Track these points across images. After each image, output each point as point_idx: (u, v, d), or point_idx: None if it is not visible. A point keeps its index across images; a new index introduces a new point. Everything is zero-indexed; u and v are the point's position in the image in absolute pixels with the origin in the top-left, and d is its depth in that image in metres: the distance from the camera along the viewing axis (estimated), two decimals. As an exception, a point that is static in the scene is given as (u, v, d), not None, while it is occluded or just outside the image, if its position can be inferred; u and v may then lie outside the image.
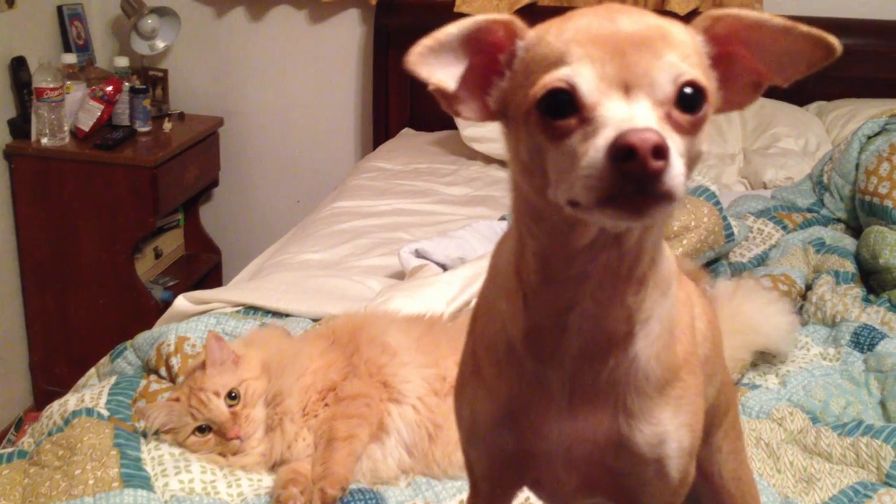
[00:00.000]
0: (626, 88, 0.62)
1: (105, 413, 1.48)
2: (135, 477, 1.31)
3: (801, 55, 0.68)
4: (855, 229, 2.29)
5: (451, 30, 0.68)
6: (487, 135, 2.91)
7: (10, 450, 1.44)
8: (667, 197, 0.59)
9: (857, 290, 1.99)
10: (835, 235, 2.22)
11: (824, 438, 1.49)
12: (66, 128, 2.92)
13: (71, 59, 2.99)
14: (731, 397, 1.03)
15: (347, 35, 3.41)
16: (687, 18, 0.69)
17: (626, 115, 0.61)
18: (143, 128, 3.09)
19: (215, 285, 3.15)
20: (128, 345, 1.73)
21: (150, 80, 3.31)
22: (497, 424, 0.80)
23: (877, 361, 1.71)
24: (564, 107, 0.62)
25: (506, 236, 0.79)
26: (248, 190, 3.64)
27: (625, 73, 0.62)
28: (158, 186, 2.91)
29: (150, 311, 2.87)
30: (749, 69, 0.70)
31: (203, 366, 1.43)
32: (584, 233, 0.68)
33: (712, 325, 0.91)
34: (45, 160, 2.91)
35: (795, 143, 2.87)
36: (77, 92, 2.95)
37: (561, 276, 0.71)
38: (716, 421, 0.97)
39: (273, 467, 1.39)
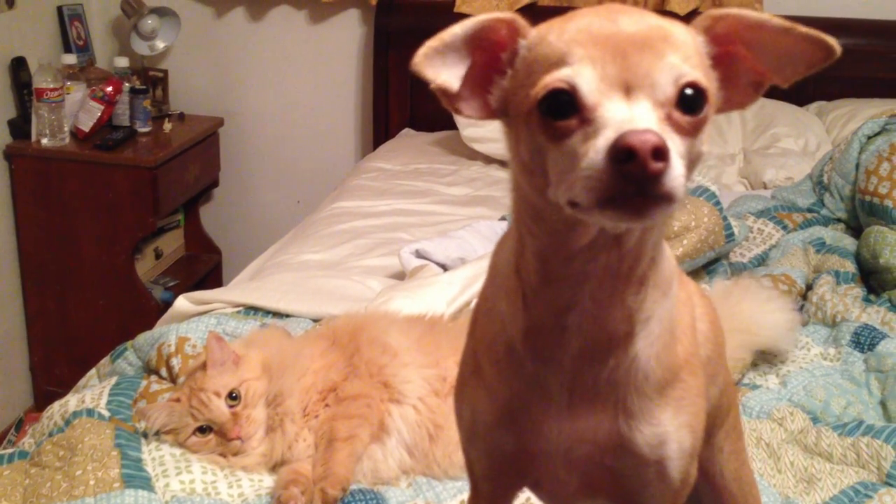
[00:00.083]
0: (627, 89, 0.62)
1: (106, 414, 1.48)
2: (136, 477, 1.31)
3: (800, 56, 0.68)
4: (855, 229, 2.29)
5: (456, 30, 0.68)
6: (488, 135, 2.91)
7: (10, 450, 1.44)
8: (667, 198, 0.59)
9: (858, 290, 1.99)
10: (835, 235, 2.22)
11: (825, 438, 1.49)
12: (67, 128, 2.92)
13: (71, 59, 2.99)
14: (732, 398, 1.03)
15: (347, 35, 3.41)
16: (687, 18, 0.69)
17: (627, 116, 0.61)
18: (143, 128, 3.09)
19: (215, 286, 3.14)
20: (128, 345, 1.73)
21: (150, 80, 3.31)
22: (497, 425, 0.80)
23: (877, 361, 1.71)
24: (565, 107, 0.62)
25: (506, 236, 0.79)
26: (249, 190, 3.64)
27: (626, 74, 0.62)
28: (158, 187, 2.91)
29: (150, 312, 2.87)
30: (750, 69, 0.70)
31: (204, 366, 1.43)
32: (584, 233, 0.68)
33: (714, 326, 0.91)
34: (45, 161, 2.90)
35: (795, 143, 2.87)
36: (77, 92, 2.95)
37: (561, 276, 0.71)
38: (717, 421, 0.97)
39: (274, 468, 1.39)
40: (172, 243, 3.45)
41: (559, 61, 0.64)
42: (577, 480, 0.80)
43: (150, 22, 3.22)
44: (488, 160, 3.00)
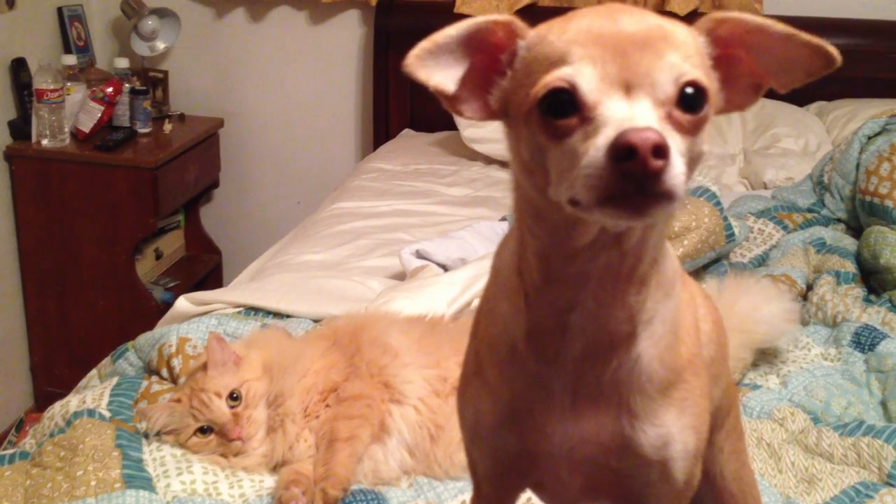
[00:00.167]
0: (628, 88, 0.62)
1: (107, 414, 1.48)
2: (137, 478, 1.31)
3: (800, 63, 0.69)
4: (855, 229, 2.29)
5: (450, 32, 0.68)
6: (488, 136, 2.91)
7: (11, 451, 1.44)
8: (667, 196, 0.59)
9: (858, 291, 1.99)
10: (835, 235, 2.23)
11: (825, 439, 1.49)
12: (67, 129, 2.92)
13: (71, 60, 2.99)
14: (733, 398, 1.03)
15: (347, 36, 3.41)
16: (686, 19, 0.69)
17: (627, 114, 0.61)
18: (143, 129, 3.09)
19: (216, 286, 3.14)
20: (129, 346, 1.73)
21: (150, 81, 3.31)
22: (500, 425, 0.80)
23: (878, 361, 1.71)
24: (565, 106, 0.62)
25: (508, 236, 0.79)
26: (249, 191, 3.64)
27: (626, 73, 0.62)
28: (159, 187, 2.92)
29: (150, 312, 2.87)
30: (749, 72, 0.70)
31: (204, 367, 1.43)
32: (585, 232, 0.68)
33: (717, 327, 0.91)
34: (45, 161, 2.91)
35: (796, 143, 2.87)
36: (77, 93, 2.95)
37: (562, 276, 0.71)
38: (718, 422, 0.97)
39: (275, 468, 1.39)
40: (173, 244, 3.45)
41: (559, 60, 0.64)
42: (580, 481, 0.80)
43: (150, 23, 3.22)
44: (488, 161, 3.00)
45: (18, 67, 2.90)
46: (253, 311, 1.84)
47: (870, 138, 2.35)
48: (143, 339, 1.70)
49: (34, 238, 2.99)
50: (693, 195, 2.04)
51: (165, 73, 3.37)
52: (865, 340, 1.77)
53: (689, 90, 0.63)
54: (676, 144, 0.61)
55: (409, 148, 3.18)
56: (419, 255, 2.02)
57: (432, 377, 1.43)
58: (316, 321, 1.80)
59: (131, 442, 1.39)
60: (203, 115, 3.43)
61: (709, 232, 2.02)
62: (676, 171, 0.59)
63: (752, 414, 1.57)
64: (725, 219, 2.07)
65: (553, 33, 0.66)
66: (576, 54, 0.63)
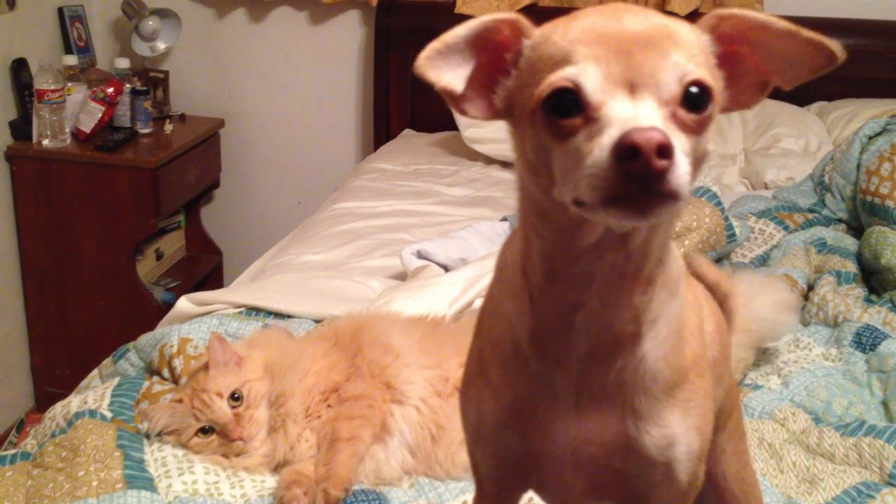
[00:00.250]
0: (632, 88, 0.62)
1: (108, 414, 1.48)
2: (138, 478, 1.31)
3: (803, 60, 0.68)
4: (856, 230, 2.29)
5: (459, 31, 0.68)
6: (488, 136, 2.91)
7: (13, 451, 1.44)
8: (672, 196, 0.59)
9: (859, 291, 1.99)
10: (836, 236, 2.23)
11: (827, 439, 1.49)
12: (68, 129, 2.92)
13: (72, 60, 2.99)
14: (735, 399, 1.03)
15: (348, 36, 3.41)
16: (687, 19, 0.69)
17: (631, 114, 0.61)
18: (144, 129, 3.10)
19: (216, 286, 3.14)
20: (130, 346, 1.73)
21: (151, 81, 3.32)
22: (503, 425, 0.80)
23: (879, 362, 1.71)
24: (570, 106, 0.62)
25: (512, 236, 0.79)
26: (249, 191, 3.64)
27: (630, 73, 0.62)
28: (159, 188, 2.92)
29: (151, 313, 2.87)
30: (754, 70, 0.70)
31: (206, 367, 1.43)
32: (590, 232, 0.67)
33: (720, 328, 0.91)
34: (46, 162, 2.91)
35: (796, 143, 2.87)
36: (78, 93, 2.95)
37: (567, 276, 0.71)
38: (720, 423, 0.97)
39: (276, 468, 1.39)
40: (173, 244, 3.45)
41: (563, 60, 0.63)
42: (584, 482, 0.80)
43: (150, 23, 3.22)
44: (489, 161, 3.00)
45: (19, 68, 2.90)
46: (254, 311, 1.84)
47: (870, 138, 2.35)
48: (145, 339, 1.70)
49: (35, 238, 2.99)
50: (694, 195, 2.04)
51: (166, 73, 3.37)
52: (866, 340, 1.77)
53: (694, 89, 0.63)
54: (681, 144, 0.61)
55: (410, 148, 3.18)
56: (420, 255, 2.02)
57: (434, 377, 1.43)
58: (317, 321, 1.80)
59: (133, 442, 1.39)
60: (204, 116, 3.43)
61: (710, 232, 2.02)
62: (681, 171, 0.59)
63: (754, 414, 1.57)
64: (726, 219, 2.08)
65: (557, 33, 0.66)
66: (580, 54, 0.63)
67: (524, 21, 0.69)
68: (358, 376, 1.43)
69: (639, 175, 0.58)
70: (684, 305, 0.77)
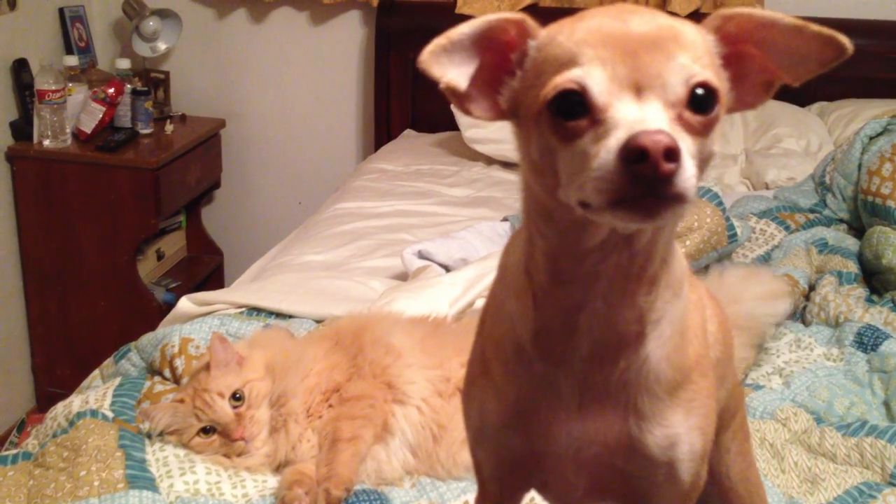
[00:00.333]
0: (638, 90, 0.62)
1: (110, 414, 1.48)
2: (140, 478, 1.31)
3: (811, 54, 0.68)
4: (857, 230, 2.29)
5: (464, 29, 0.68)
6: (489, 136, 2.91)
7: (14, 451, 1.44)
8: (678, 199, 0.59)
9: (861, 291, 1.99)
10: (837, 236, 2.23)
11: (828, 439, 1.49)
12: (68, 130, 2.92)
13: (73, 61, 2.99)
14: (739, 398, 1.03)
15: (349, 36, 3.42)
16: (688, 19, 0.69)
17: (638, 116, 0.60)
18: (144, 130, 3.10)
19: (217, 287, 3.14)
20: (132, 346, 1.73)
21: (151, 81, 3.32)
22: (505, 425, 0.80)
23: (880, 361, 1.71)
24: (575, 108, 0.62)
25: (515, 236, 0.79)
26: (250, 191, 3.64)
27: (636, 75, 0.62)
28: (160, 188, 2.92)
29: (152, 313, 2.87)
30: (760, 68, 0.70)
31: (207, 367, 1.43)
32: (595, 233, 0.67)
33: (724, 328, 0.91)
34: (47, 162, 2.91)
35: (797, 143, 2.87)
36: (79, 94, 2.95)
37: (571, 276, 0.71)
38: (724, 422, 0.97)
39: (278, 468, 1.39)
40: (174, 245, 3.45)
41: (569, 62, 0.63)
42: (586, 482, 0.80)
43: (151, 23, 3.22)
44: (490, 161, 3.00)
45: (20, 68, 2.90)
46: (255, 311, 1.84)
47: (871, 139, 2.35)
48: (146, 339, 1.70)
49: (36, 239, 2.99)
50: (695, 195, 2.04)
51: (167, 73, 3.37)
52: (868, 341, 1.77)
53: (700, 91, 0.63)
54: (687, 146, 0.61)
55: (411, 148, 3.18)
56: (421, 255, 2.02)
57: (435, 377, 1.43)
58: (318, 321, 1.80)
59: (134, 442, 1.39)
60: (204, 116, 3.43)
61: (711, 232, 2.02)
62: (688, 173, 0.59)
63: (755, 414, 1.57)
64: (728, 219, 2.08)
65: (563, 34, 0.66)
66: (586, 55, 0.63)
67: (530, 22, 0.68)
68: (359, 376, 1.43)
69: (646, 178, 0.58)
70: (688, 305, 0.77)
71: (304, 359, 1.46)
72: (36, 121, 2.87)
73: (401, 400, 1.41)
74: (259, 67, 3.50)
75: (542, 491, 0.89)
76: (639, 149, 0.58)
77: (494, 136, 2.88)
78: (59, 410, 1.50)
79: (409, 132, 3.34)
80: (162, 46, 3.29)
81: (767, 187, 2.68)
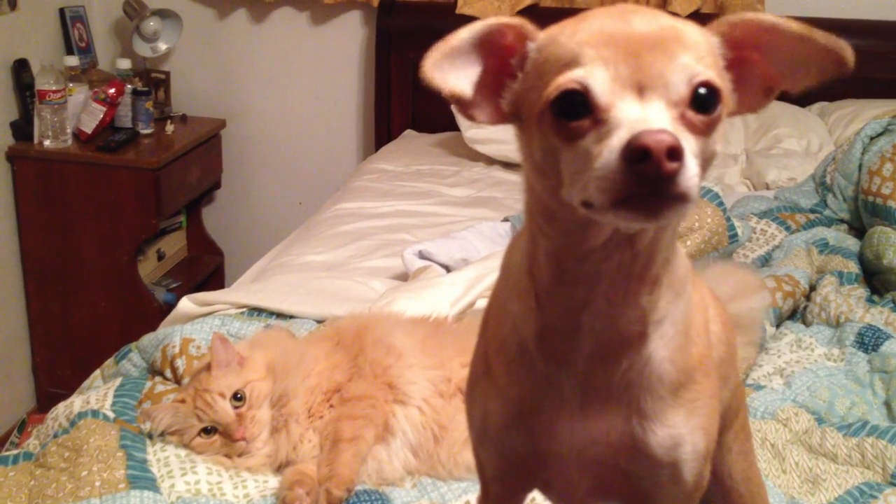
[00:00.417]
0: (640, 89, 0.62)
1: (111, 415, 1.48)
2: (141, 478, 1.31)
3: (813, 63, 0.68)
4: (858, 230, 2.29)
5: (463, 35, 0.68)
6: (489, 136, 2.91)
7: (15, 452, 1.44)
8: (681, 198, 0.59)
9: (861, 291, 1.99)
10: (838, 236, 2.23)
11: (829, 439, 1.49)
12: (69, 130, 2.92)
13: (73, 61, 2.99)
14: (741, 398, 1.03)
15: (349, 37, 3.42)
16: (689, 19, 0.69)
17: (641, 116, 0.60)
18: (145, 130, 3.10)
19: (218, 287, 3.14)
20: (133, 346, 1.73)
21: (152, 82, 3.32)
22: (508, 425, 0.80)
23: (881, 362, 1.71)
24: (578, 108, 0.62)
25: (518, 236, 0.79)
26: (251, 192, 3.64)
27: (638, 75, 0.62)
28: (161, 188, 2.92)
29: (152, 313, 2.87)
30: (762, 74, 0.70)
31: (208, 367, 1.43)
32: (598, 233, 0.67)
33: (726, 328, 0.91)
34: (47, 162, 2.91)
35: (798, 143, 2.88)
36: (79, 94, 2.95)
37: (574, 276, 0.71)
38: (727, 422, 0.97)
39: (279, 468, 1.39)
40: (175, 245, 3.45)
41: (571, 62, 0.63)
42: (589, 482, 0.80)
43: (152, 24, 3.22)
44: (490, 161, 3.00)
45: (20, 68, 2.90)
46: (256, 311, 1.84)
47: (872, 139, 2.35)
48: (147, 339, 1.70)
49: (36, 239, 2.99)
50: (695, 196, 2.04)
51: (167, 73, 3.37)
52: (869, 341, 1.77)
53: (703, 91, 0.63)
54: (690, 146, 0.61)
55: (411, 148, 3.18)
56: (422, 255, 2.03)
57: (436, 378, 1.43)
58: (319, 322, 1.80)
59: (135, 442, 1.39)
60: (205, 116, 3.43)
61: (712, 232, 2.02)
62: (691, 173, 0.59)
63: (756, 414, 1.57)
64: (728, 219, 2.08)
65: (565, 34, 0.66)
66: (588, 56, 0.63)
67: (528, 25, 0.68)
68: (360, 377, 1.43)
69: (649, 177, 0.58)
70: (690, 305, 0.77)
71: (305, 359, 1.46)
72: (36, 121, 2.87)
73: (402, 400, 1.41)
74: (259, 68, 3.50)
75: (545, 491, 0.89)
76: (641, 148, 0.57)
77: (495, 136, 2.89)
78: (60, 411, 1.50)
79: (409, 132, 3.34)
80: (162, 46, 3.29)
81: (768, 187, 2.68)
